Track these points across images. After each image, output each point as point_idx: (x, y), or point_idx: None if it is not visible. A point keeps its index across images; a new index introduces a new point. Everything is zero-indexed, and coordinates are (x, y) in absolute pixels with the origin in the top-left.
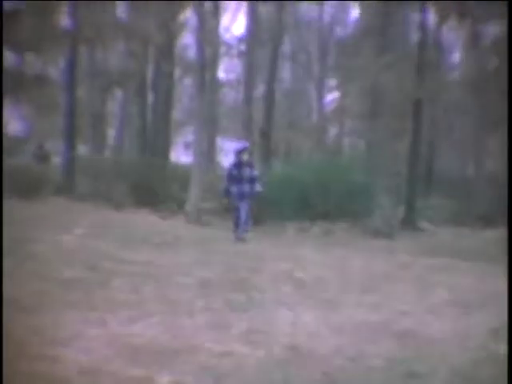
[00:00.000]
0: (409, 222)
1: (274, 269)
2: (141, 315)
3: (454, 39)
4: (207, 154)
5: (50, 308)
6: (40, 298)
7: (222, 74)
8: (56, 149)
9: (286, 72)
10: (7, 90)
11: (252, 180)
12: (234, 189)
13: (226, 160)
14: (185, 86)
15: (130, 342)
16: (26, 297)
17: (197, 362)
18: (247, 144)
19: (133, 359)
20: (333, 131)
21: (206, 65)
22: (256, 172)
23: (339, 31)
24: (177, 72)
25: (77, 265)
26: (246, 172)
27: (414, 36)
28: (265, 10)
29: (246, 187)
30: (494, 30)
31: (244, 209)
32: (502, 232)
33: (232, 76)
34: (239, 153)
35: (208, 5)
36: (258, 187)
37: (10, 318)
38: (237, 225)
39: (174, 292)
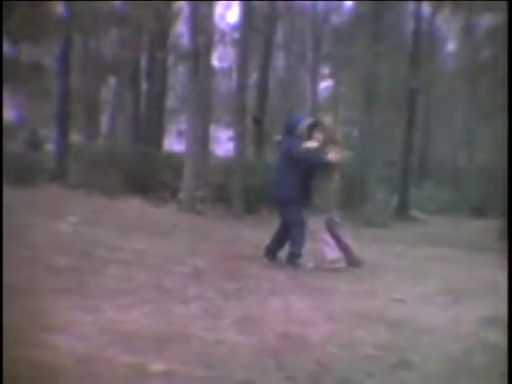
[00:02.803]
0: (402, 212)
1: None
2: (134, 303)
3: (449, 29)
4: (200, 142)
5: (43, 295)
6: (33, 284)
7: (215, 61)
8: (49, 136)
9: (279, 60)
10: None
11: None
12: None
13: (220, 148)
14: (178, 73)
15: (124, 329)
16: (19, 283)
17: (190, 349)
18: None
19: (126, 347)
20: (326, 119)
21: (199, 53)
22: None
23: (333, 19)
24: (170, 60)
25: (70, 252)
26: None
27: (409, 25)
28: None
29: None
30: (488, 20)
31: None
32: (494, 222)
33: (225, 64)
34: None
35: None
36: None
37: (3, 303)
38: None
39: (168, 280)
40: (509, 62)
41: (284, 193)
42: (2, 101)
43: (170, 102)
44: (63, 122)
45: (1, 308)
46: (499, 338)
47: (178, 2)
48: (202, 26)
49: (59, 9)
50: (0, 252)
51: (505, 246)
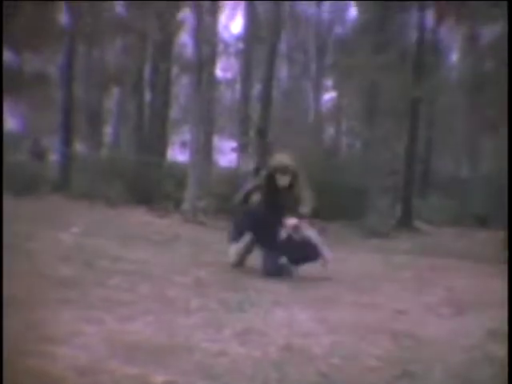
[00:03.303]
0: (405, 222)
1: None
2: (137, 314)
3: (452, 39)
4: (204, 152)
5: (45, 305)
6: (36, 295)
7: (219, 72)
8: (52, 146)
9: (283, 71)
10: (5, 87)
11: None
12: None
13: (223, 159)
14: (182, 84)
15: (126, 340)
16: (22, 294)
17: (192, 361)
18: None
19: (129, 358)
20: (330, 130)
21: (203, 63)
22: None
23: (337, 30)
24: (174, 70)
25: (73, 262)
26: None
27: (412, 35)
28: (262, 8)
29: None
30: (492, 31)
31: None
32: (498, 232)
33: (229, 74)
34: None
35: (206, 3)
36: None
37: (5, 314)
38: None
39: (171, 291)
40: (509, 69)
41: None
42: (2, 110)
43: (174, 112)
44: (66, 131)
45: (1, 318)
46: (504, 350)
47: (182, 11)
48: (206, 36)
49: (62, 17)
50: (0, 261)
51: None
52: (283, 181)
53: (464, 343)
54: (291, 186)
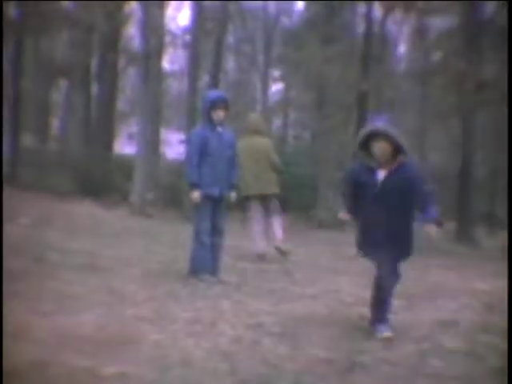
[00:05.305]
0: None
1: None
2: (87, 306)
3: (400, 31)
4: (151, 145)
5: None
6: None
7: (166, 64)
8: None
9: (230, 63)
10: None
11: None
12: None
13: (170, 151)
14: (129, 76)
15: (76, 333)
16: None
17: (142, 352)
18: None
19: (79, 350)
20: (277, 122)
21: (150, 55)
22: None
23: (284, 22)
24: (121, 62)
25: (22, 255)
26: None
27: (360, 28)
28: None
29: None
30: (439, 22)
31: None
32: (446, 224)
33: (176, 67)
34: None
35: None
36: None
37: None
38: None
39: (120, 283)
40: (509, 68)
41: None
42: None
43: (121, 104)
44: (14, 124)
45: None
46: (454, 340)
47: (130, 3)
48: (153, 27)
49: (10, 10)
50: (0, 260)
51: (458, 249)
52: None
53: (415, 334)
54: None
